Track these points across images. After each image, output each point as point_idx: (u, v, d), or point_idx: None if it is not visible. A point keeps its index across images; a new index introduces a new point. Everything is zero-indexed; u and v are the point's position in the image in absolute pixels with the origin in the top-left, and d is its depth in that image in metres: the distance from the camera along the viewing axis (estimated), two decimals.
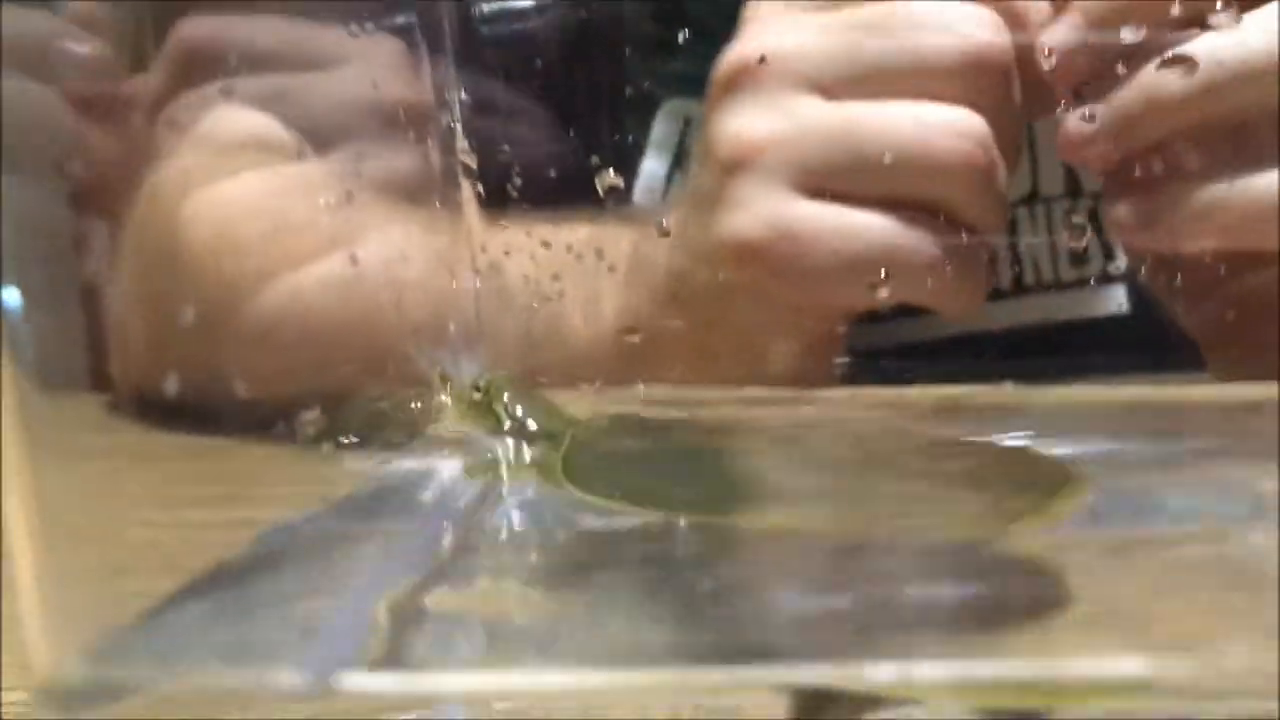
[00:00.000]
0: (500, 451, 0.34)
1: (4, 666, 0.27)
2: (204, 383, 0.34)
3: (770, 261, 0.38)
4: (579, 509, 0.29)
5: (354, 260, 0.33)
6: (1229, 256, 0.36)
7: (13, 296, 0.26)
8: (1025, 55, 0.38)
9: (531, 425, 0.35)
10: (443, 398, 0.35)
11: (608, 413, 0.36)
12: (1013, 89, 0.38)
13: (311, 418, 0.31)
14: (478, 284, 0.33)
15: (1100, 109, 0.37)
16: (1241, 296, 0.36)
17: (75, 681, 0.22)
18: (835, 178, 0.38)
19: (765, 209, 0.38)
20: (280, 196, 0.35)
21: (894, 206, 0.38)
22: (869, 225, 0.38)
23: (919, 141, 0.38)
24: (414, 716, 0.23)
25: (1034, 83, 0.38)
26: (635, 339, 0.39)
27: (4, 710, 0.26)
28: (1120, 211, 0.37)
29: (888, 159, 0.38)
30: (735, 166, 0.39)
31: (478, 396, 0.35)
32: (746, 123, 0.39)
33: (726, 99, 0.39)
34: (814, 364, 0.40)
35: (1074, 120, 0.37)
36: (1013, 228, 0.47)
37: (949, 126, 0.38)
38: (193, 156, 0.36)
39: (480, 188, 0.33)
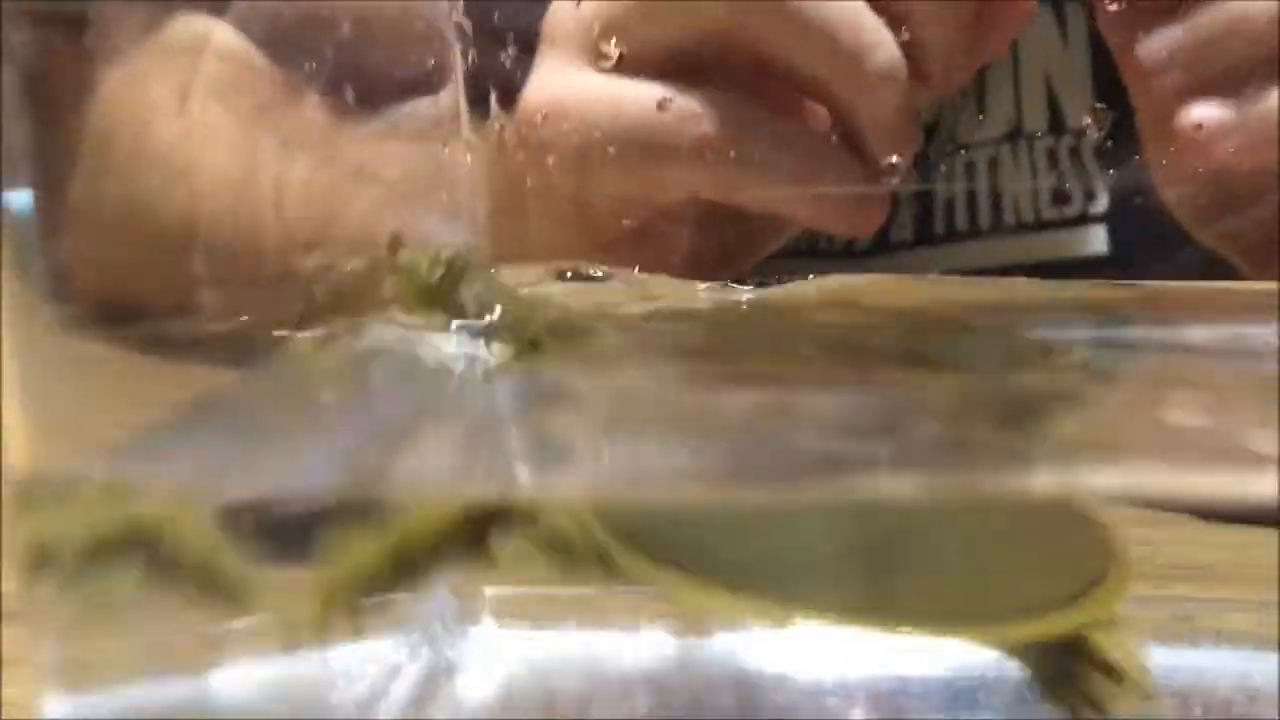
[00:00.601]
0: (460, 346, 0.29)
1: None
2: (168, 294, 0.33)
3: (540, 136, 0.33)
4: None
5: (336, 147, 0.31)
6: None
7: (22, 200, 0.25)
8: None
9: (497, 317, 0.29)
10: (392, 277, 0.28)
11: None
12: None
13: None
14: (469, 158, 0.32)
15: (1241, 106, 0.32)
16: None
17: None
18: (630, 43, 0.33)
19: (546, 78, 0.34)
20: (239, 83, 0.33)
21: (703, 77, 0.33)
22: (649, 95, 0.33)
23: None
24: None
25: None
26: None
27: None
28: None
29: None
30: (544, 36, 0.35)
31: (437, 277, 0.29)
32: None
33: None
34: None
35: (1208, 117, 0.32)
36: (995, 167, 0.46)
37: None
38: (149, 62, 0.34)
39: (474, 54, 0.31)
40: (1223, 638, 0.26)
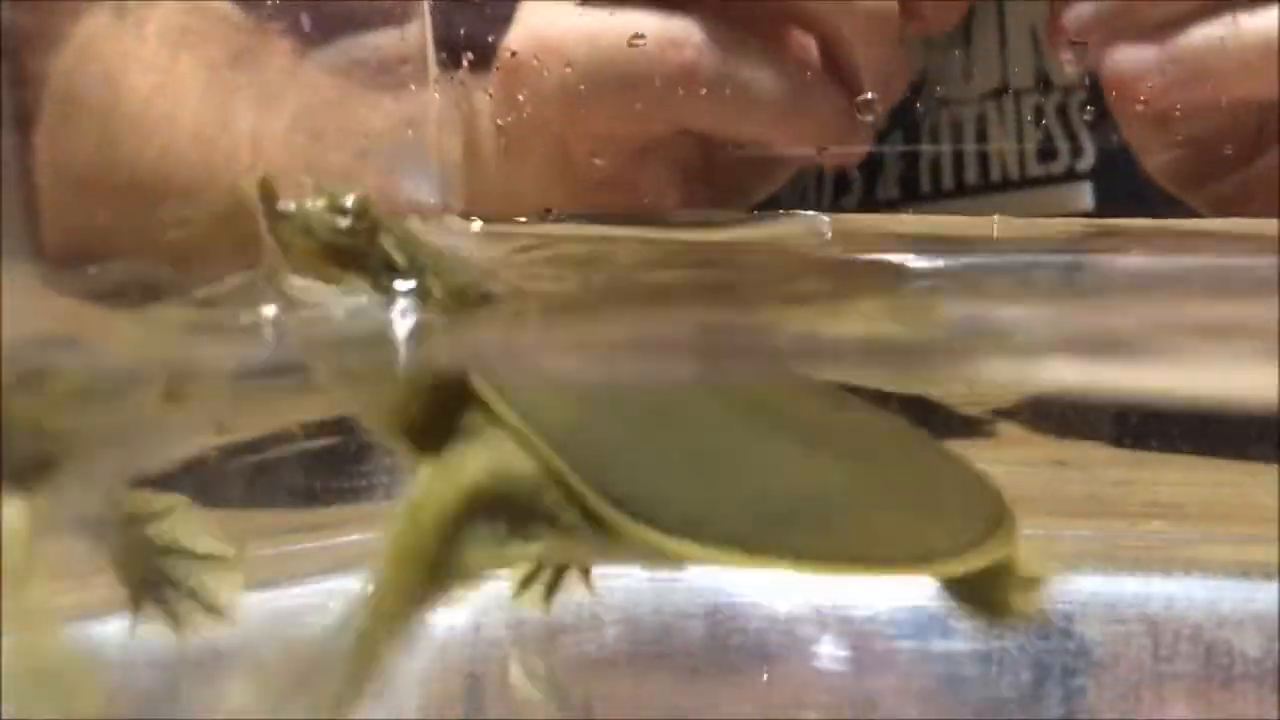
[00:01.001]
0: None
1: None
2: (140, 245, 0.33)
3: (521, 74, 0.33)
4: None
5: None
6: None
7: None
8: None
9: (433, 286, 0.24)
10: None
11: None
12: None
13: None
14: (436, 95, 0.31)
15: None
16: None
17: None
18: None
19: (528, 19, 0.34)
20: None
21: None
22: (631, 24, 0.33)
23: None
24: None
25: None
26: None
27: None
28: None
29: None
30: None
31: (344, 224, 0.23)
32: None
33: None
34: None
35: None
36: (981, 124, 0.46)
37: None
38: (113, 16, 0.34)
39: None
40: (1193, 568, 0.26)
